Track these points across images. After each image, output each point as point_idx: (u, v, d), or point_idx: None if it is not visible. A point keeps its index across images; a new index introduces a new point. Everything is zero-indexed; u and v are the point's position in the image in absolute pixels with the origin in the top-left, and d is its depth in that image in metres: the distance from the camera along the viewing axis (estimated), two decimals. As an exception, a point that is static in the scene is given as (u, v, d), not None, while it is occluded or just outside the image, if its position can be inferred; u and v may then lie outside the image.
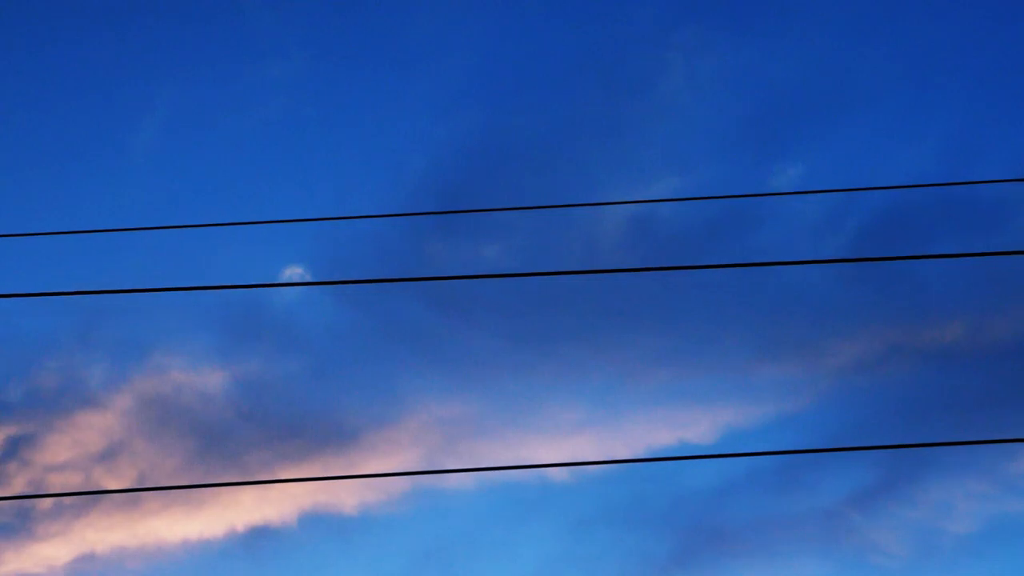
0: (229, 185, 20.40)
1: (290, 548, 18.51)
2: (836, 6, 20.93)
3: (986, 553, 18.77)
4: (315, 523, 18.56)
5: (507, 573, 18.77)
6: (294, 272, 19.85)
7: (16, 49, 20.40)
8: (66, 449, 18.23)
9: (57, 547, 18.06)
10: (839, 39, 21.02)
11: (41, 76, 20.41)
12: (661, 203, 12.80)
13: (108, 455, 18.28)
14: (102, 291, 8.93)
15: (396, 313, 19.31)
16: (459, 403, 18.88)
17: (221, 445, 18.65)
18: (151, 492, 17.47)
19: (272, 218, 10.88)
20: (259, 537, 18.34)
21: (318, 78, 20.84)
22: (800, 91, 20.85)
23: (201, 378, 18.85)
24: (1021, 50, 21.13)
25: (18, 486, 17.77)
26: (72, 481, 17.91)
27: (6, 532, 17.87)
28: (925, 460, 18.48)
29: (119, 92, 20.42)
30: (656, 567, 18.29)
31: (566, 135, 20.31)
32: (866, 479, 18.77)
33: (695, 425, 18.93)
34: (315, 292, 20.20)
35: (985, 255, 8.04)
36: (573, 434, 18.77)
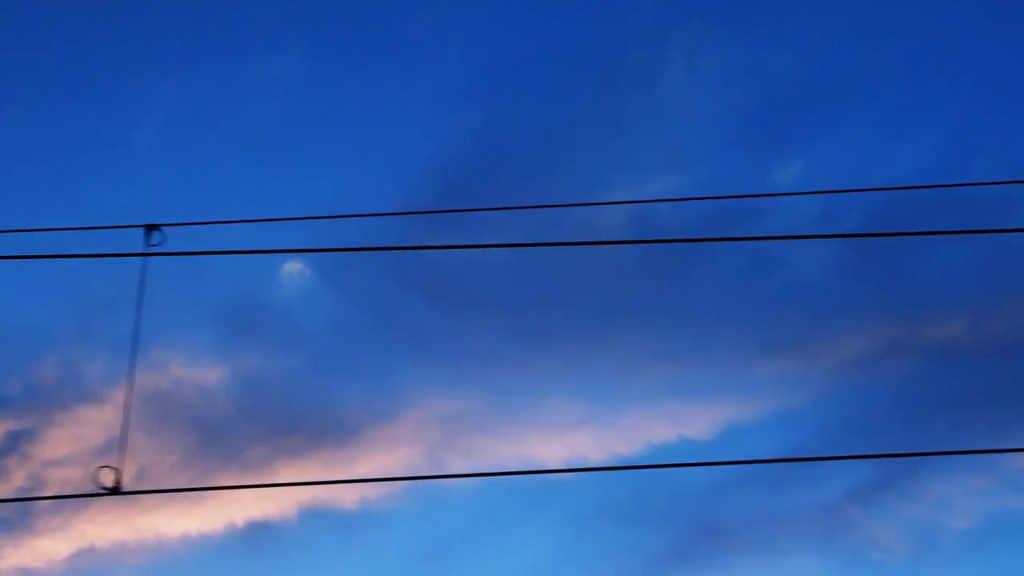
0: (229, 182, 20.42)
1: (289, 543, 18.53)
2: (836, 4, 20.95)
3: (985, 549, 18.81)
4: (314, 518, 18.59)
5: (506, 569, 18.80)
6: (293, 268, 19.87)
7: (17, 46, 20.42)
8: (65, 444, 18.26)
9: (57, 542, 18.09)
10: (839, 37, 21.05)
11: (42, 73, 20.42)
12: (661, 201, 12.85)
13: (107, 450, 18.28)
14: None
15: (396, 309, 19.34)
16: (459, 398, 18.91)
17: (221, 440, 18.68)
18: (150, 486, 17.46)
19: (272, 215, 10.91)
20: (258, 532, 18.37)
21: (318, 75, 20.87)
22: (800, 89, 20.88)
23: (201, 373, 18.86)
24: (1021, 48, 21.15)
25: (18, 481, 17.79)
26: (72, 476, 17.94)
27: (6, 527, 17.90)
28: (924, 456, 18.47)
29: (120, 89, 20.45)
30: (656, 563, 18.32)
31: (566, 132, 20.33)
32: (865, 475, 18.80)
33: (695, 421, 18.97)
34: (315, 288, 20.21)
35: (988, 232, 8.07)
36: (573, 430, 18.80)
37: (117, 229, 9.82)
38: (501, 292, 19.18)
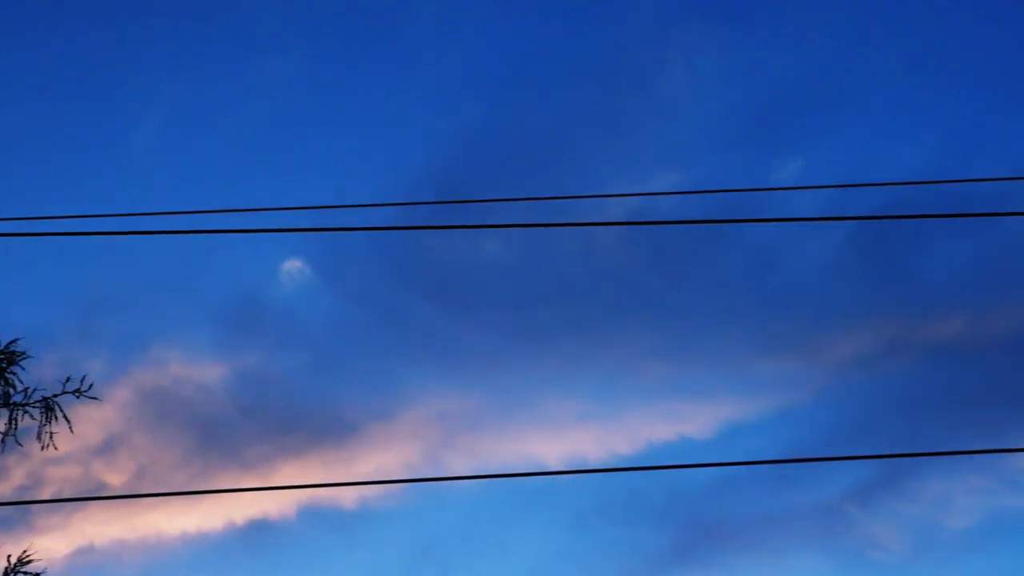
0: (229, 179, 20.43)
1: (289, 541, 18.53)
2: (836, 4, 20.96)
3: (985, 548, 18.81)
4: (314, 516, 18.59)
5: (505, 567, 18.81)
6: (293, 267, 19.88)
7: (20, 44, 20.43)
8: (65, 442, 18.23)
9: (56, 540, 18.07)
10: (838, 36, 21.05)
11: (45, 70, 20.43)
12: (660, 199, 12.89)
13: (107, 448, 18.30)
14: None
15: (396, 307, 19.34)
16: (458, 397, 18.92)
17: (220, 438, 18.67)
18: (150, 485, 17.47)
19: (271, 213, 10.90)
20: (258, 530, 18.36)
21: (319, 73, 20.88)
22: (800, 88, 20.89)
23: (201, 371, 18.86)
24: (1021, 48, 21.15)
25: (17, 478, 17.78)
26: (71, 474, 17.93)
27: (5, 524, 17.87)
28: (924, 456, 18.44)
29: (122, 86, 20.46)
30: (655, 562, 18.33)
31: (566, 131, 20.34)
32: (865, 474, 18.80)
33: (694, 420, 18.97)
34: (315, 286, 20.22)
35: (991, 215, 8.08)
36: (572, 428, 18.81)
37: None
38: (501, 291, 19.20)
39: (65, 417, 14.07)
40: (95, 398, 14.13)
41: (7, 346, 13.92)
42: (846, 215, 9.19)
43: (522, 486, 19.63)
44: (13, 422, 14.04)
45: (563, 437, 18.85)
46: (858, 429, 18.22)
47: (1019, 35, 20.95)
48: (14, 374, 13.99)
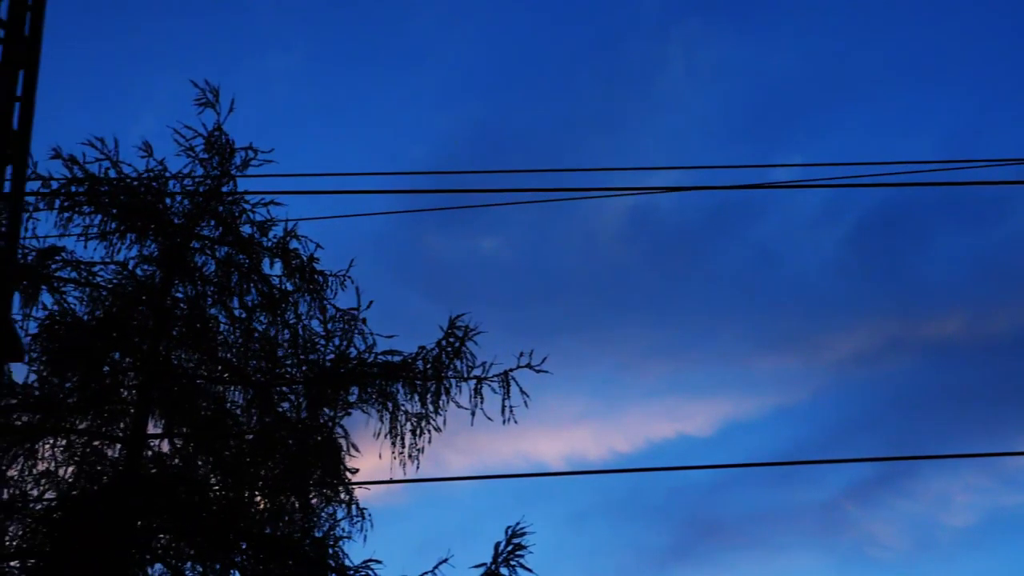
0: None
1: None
2: (836, 2, 21.00)
3: (983, 546, 18.87)
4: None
5: (505, 564, 18.82)
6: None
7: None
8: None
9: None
10: (839, 32, 21.09)
11: (44, 68, 20.45)
12: (661, 195, 12.89)
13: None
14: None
15: (395, 304, 19.35)
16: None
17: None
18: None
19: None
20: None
21: (319, 70, 20.91)
22: (800, 84, 20.94)
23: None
24: (1021, 48, 21.19)
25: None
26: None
27: None
28: (923, 453, 18.49)
29: (120, 84, 20.49)
30: (654, 559, 18.39)
31: (567, 127, 20.38)
32: (864, 472, 18.85)
33: (694, 417, 19.01)
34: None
35: (983, 184, 8.12)
36: (572, 426, 18.83)
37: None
38: (501, 289, 19.22)
39: (522, 391, 14.19)
40: (546, 371, 14.24)
41: (456, 319, 14.06)
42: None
43: (522, 484, 19.66)
44: (479, 396, 14.19)
45: (563, 435, 18.88)
46: (858, 427, 18.30)
47: (1019, 35, 21.00)
48: (467, 349, 14.19)
